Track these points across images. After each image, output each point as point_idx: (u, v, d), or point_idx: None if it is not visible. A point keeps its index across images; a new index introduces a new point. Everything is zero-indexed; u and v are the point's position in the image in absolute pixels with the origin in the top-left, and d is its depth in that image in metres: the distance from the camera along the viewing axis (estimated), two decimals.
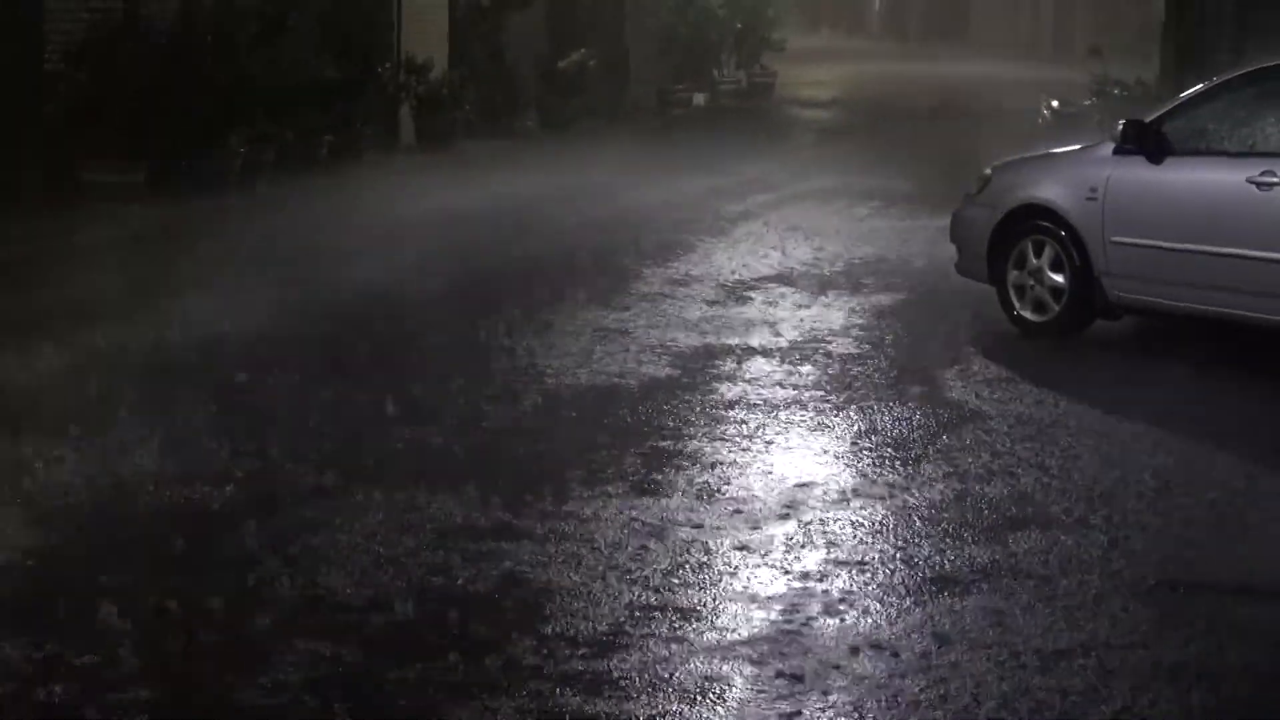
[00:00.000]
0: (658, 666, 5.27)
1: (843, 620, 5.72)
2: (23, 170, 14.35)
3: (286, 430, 7.90)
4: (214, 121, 15.55)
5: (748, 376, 9.28)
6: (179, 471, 7.16)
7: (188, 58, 15.70)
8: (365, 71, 19.14)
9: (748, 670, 5.29)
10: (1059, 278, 10.29)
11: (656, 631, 5.56)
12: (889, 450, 7.84)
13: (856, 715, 4.99)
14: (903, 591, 6.01)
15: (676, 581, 6.04)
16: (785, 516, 6.83)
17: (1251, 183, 9.44)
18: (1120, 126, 10.17)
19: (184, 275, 11.81)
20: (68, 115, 14.86)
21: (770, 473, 7.46)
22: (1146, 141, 9.98)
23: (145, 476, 7.09)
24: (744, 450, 7.81)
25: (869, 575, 6.17)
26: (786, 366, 9.53)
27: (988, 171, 11.15)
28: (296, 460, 7.42)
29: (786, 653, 5.43)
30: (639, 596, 5.87)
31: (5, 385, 8.64)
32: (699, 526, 6.67)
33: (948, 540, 6.55)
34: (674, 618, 5.69)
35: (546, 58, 24.87)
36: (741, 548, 6.43)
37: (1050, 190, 10.45)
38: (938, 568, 6.24)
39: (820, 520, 6.79)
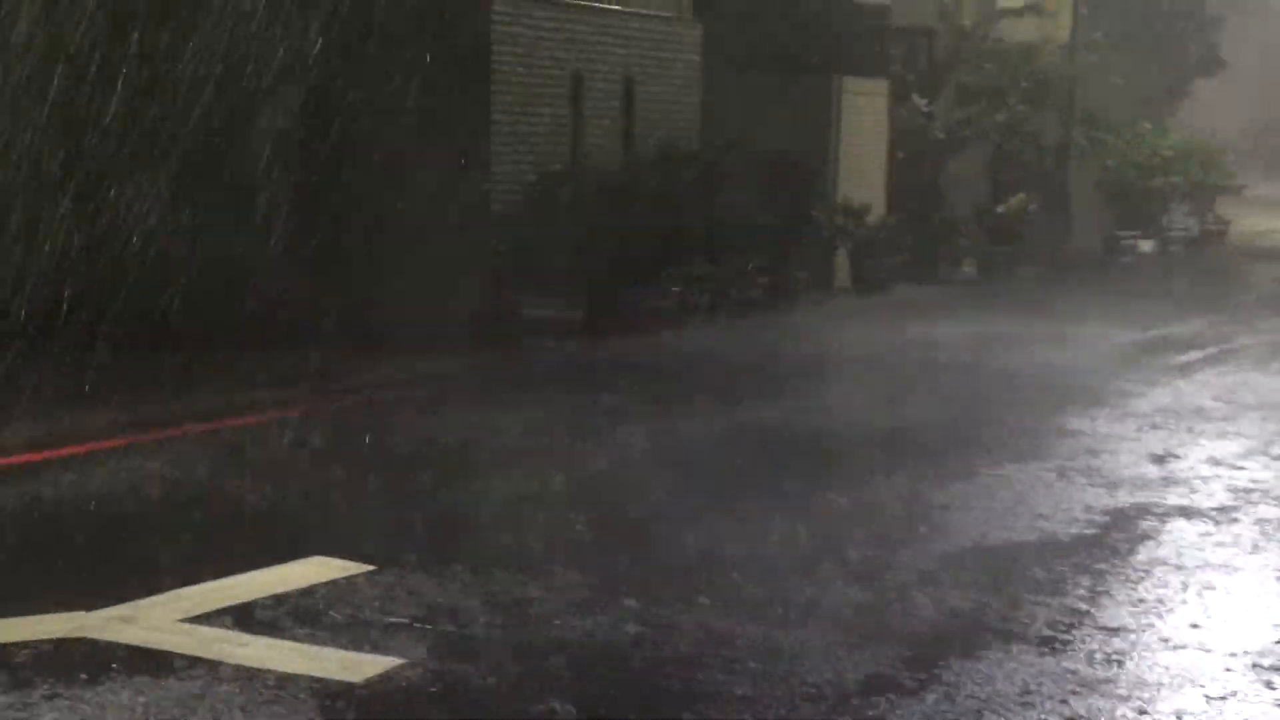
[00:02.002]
0: None
1: None
2: (472, 306, 15.08)
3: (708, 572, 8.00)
4: (651, 263, 16.02)
5: (1167, 539, 8.89)
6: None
7: (628, 202, 16.24)
8: (801, 215, 19.40)
9: None
10: None
11: None
12: None
13: None
14: None
15: None
16: (1198, 686, 6.49)
17: None
18: None
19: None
20: (512, 254, 15.55)
21: (1184, 643, 7.10)
22: None
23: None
24: (1159, 616, 7.47)
25: None
26: (1212, 529, 9.10)
27: None
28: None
29: None
30: None
31: None
32: (1102, 692, 6.40)
33: None
34: None
35: (986, 203, 24.73)
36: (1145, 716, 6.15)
37: None
38: None
39: (1239, 695, 6.42)
